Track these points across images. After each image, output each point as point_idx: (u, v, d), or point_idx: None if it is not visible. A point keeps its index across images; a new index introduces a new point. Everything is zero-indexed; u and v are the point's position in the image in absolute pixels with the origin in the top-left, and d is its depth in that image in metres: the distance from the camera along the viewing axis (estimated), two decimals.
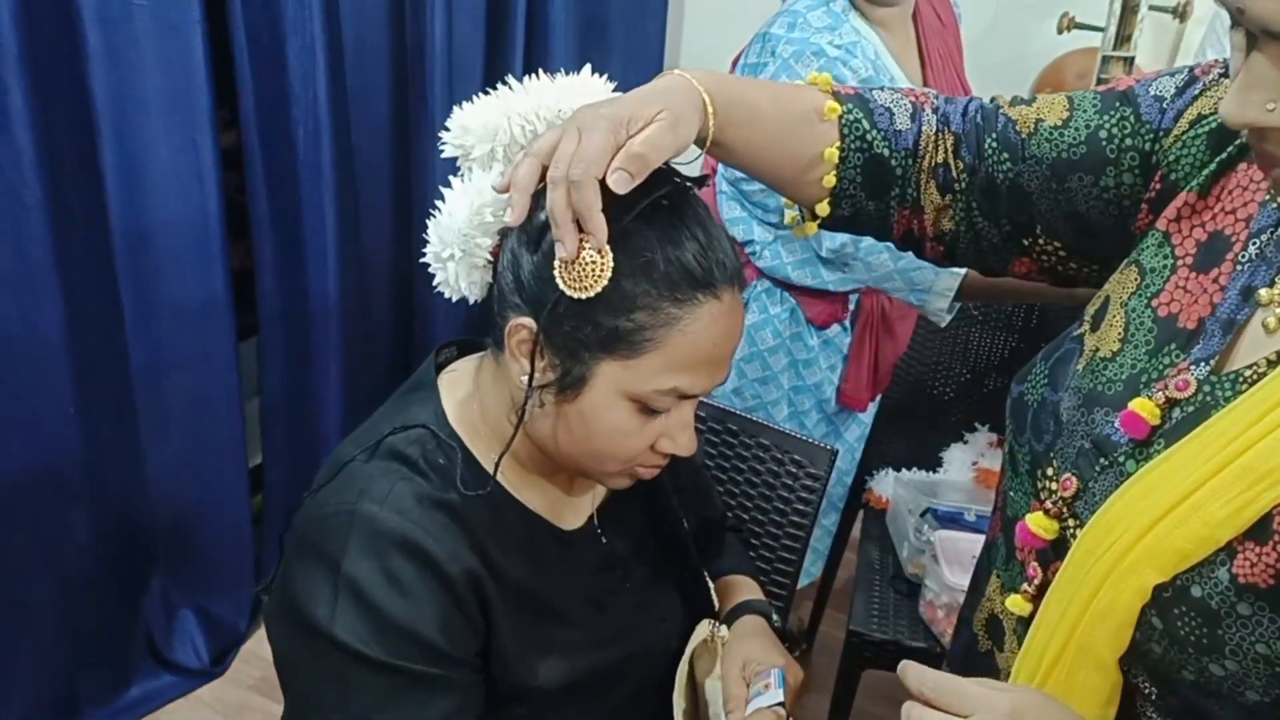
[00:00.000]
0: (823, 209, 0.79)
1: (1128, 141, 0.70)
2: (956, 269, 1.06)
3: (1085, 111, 0.72)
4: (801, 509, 1.32)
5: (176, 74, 1.58)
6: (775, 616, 1.01)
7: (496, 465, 0.79)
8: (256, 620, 2.07)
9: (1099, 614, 0.59)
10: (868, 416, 1.75)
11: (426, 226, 0.78)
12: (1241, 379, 0.58)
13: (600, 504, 0.93)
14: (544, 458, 0.83)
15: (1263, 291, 0.59)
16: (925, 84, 1.47)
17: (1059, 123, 0.73)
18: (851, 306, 1.53)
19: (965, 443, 1.76)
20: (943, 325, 1.42)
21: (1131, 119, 0.70)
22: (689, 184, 0.75)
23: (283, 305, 1.92)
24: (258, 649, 2.03)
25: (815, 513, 1.31)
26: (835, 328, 1.54)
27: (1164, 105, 0.69)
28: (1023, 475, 0.70)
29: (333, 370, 2.00)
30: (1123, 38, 1.84)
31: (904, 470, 1.74)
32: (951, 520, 1.55)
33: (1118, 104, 0.71)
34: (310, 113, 1.76)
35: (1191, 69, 0.70)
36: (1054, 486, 0.66)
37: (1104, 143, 0.71)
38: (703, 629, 0.95)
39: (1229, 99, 0.52)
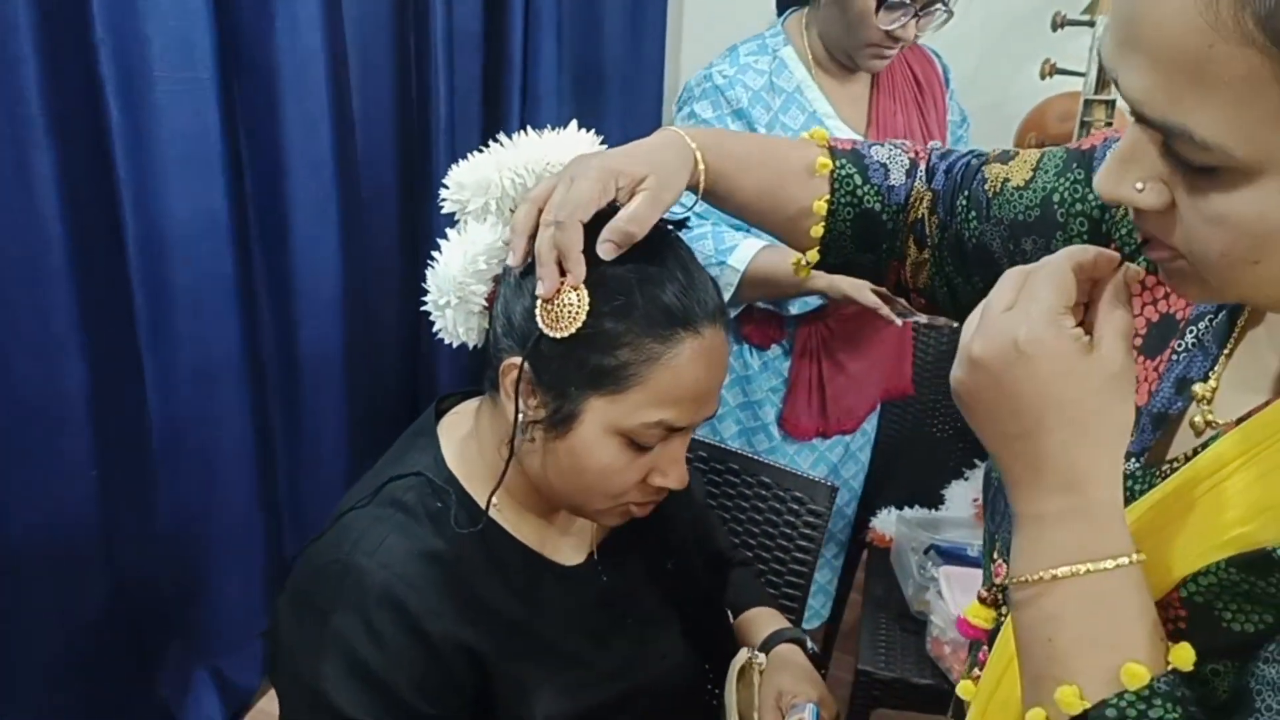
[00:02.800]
0: (812, 256, 0.81)
1: (1077, 207, 0.68)
2: (736, 264, 1.13)
3: (1046, 173, 0.71)
4: (805, 545, 1.33)
5: (193, 137, 1.63)
6: (811, 645, 1.01)
7: (489, 500, 0.81)
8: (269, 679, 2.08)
9: (1000, 704, 0.59)
10: (860, 450, 1.74)
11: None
12: (1158, 474, 0.56)
13: (600, 541, 0.95)
14: (540, 495, 0.85)
15: (1197, 386, 0.56)
16: (865, 131, 1.50)
17: (1021, 184, 0.72)
18: (789, 329, 1.54)
19: (966, 479, 1.77)
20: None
21: (1083, 183, 0.68)
22: (670, 226, 0.79)
23: (284, 365, 1.95)
24: (269, 707, 2.04)
25: (818, 550, 1.33)
26: (775, 349, 1.55)
27: None
28: (985, 556, 0.70)
29: (337, 428, 2.02)
30: (1104, 82, 1.89)
31: (906, 508, 1.75)
32: (955, 556, 1.55)
33: (1075, 166, 0.69)
34: (316, 175, 1.80)
35: None
36: (991, 572, 0.65)
37: (1056, 206, 0.69)
38: (741, 656, 0.95)
39: (1102, 170, 0.49)
